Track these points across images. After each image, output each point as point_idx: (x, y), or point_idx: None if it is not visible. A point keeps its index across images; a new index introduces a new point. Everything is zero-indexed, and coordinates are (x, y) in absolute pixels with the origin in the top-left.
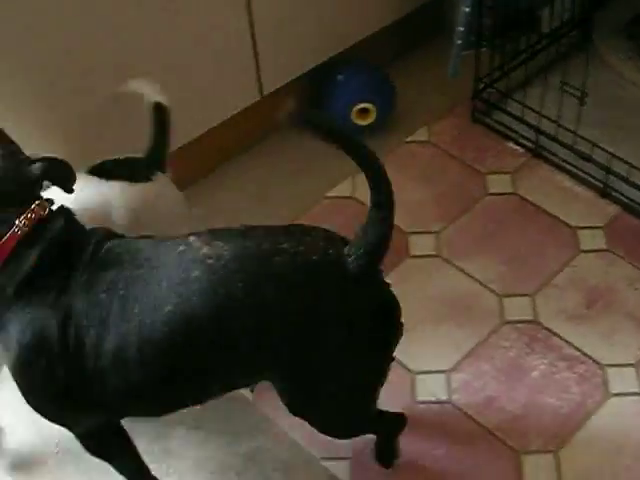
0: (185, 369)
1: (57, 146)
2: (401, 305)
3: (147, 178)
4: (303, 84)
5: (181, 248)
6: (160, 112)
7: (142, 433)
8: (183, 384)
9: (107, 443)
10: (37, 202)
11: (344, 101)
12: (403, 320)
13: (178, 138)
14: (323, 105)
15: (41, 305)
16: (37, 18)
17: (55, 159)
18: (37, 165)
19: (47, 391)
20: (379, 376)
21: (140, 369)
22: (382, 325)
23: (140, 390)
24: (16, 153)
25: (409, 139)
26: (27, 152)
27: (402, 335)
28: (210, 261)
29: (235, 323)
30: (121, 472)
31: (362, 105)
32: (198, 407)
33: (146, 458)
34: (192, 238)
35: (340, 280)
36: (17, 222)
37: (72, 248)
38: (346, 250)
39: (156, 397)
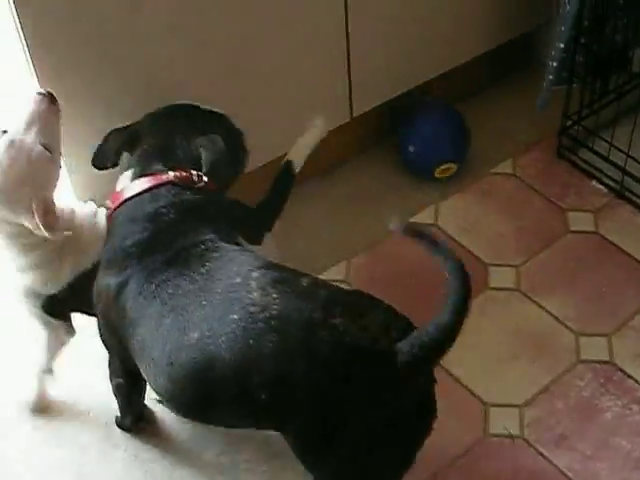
0: (195, 396)
1: None
2: (477, 338)
3: (259, 241)
4: (388, 108)
5: (237, 280)
6: (289, 171)
7: (211, 444)
8: (189, 404)
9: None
10: (194, 171)
11: (426, 166)
12: (434, 424)
13: (265, 154)
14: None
15: (122, 252)
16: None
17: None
18: (203, 143)
19: (104, 330)
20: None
21: (158, 370)
22: (410, 428)
23: (156, 386)
24: (190, 128)
25: (493, 170)
26: None
27: (425, 439)
28: (253, 309)
29: (257, 379)
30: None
31: (444, 166)
32: None
33: (214, 470)
34: (255, 274)
35: (379, 374)
36: (170, 172)
37: (187, 228)
38: (400, 345)
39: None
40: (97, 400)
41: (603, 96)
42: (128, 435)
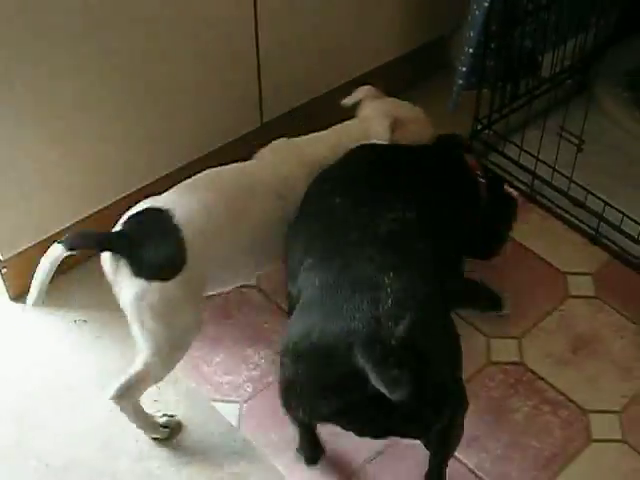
0: None
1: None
2: None
3: None
4: (299, 115)
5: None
6: None
7: (124, 452)
8: None
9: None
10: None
11: None
12: None
13: (177, 159)
14: None
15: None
16: None
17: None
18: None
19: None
20: None
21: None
22: None
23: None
24: None
25: None
26: None
27: None
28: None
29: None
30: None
31: None
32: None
33: (128, 477)
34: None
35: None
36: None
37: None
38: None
39: None
40: (9, 408)
41: (513, 100)
42: (39, 444)
